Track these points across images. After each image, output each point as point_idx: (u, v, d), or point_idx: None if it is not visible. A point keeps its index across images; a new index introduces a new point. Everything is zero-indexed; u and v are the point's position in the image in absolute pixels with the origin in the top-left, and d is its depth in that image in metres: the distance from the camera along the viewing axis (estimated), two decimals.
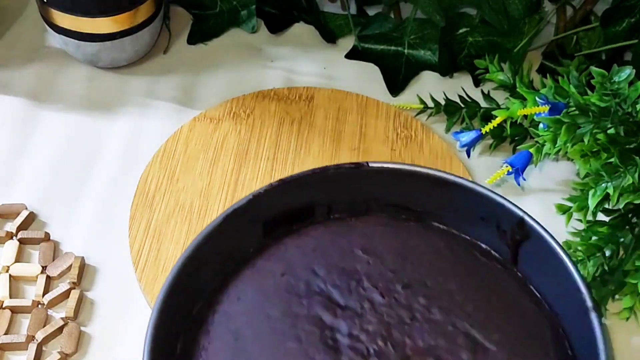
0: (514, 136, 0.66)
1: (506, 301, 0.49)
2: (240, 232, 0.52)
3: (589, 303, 0.44)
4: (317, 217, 0.54)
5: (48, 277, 0.59)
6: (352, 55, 0.75)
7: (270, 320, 0.48)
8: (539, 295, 0.50)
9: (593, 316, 0.44)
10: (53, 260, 0.60)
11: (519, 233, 0.50)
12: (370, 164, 0.52)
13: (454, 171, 0.64)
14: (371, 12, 0.78)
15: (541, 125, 0.57)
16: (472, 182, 0.51)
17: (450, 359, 0.46)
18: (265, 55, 0.75)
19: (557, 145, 0.54)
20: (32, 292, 0.58)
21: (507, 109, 0.61)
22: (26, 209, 0.62)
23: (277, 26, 0.78)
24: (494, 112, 0.62)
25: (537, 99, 0.58)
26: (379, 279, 0.49)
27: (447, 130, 0.69)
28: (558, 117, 0.54)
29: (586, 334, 0.44)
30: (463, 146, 0.66)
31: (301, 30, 0.78)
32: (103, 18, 0.67)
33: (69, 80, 0.73)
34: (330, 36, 0.76)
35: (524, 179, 0.61)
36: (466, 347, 0.46)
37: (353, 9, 0.78)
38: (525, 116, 0.62)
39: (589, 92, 0.59)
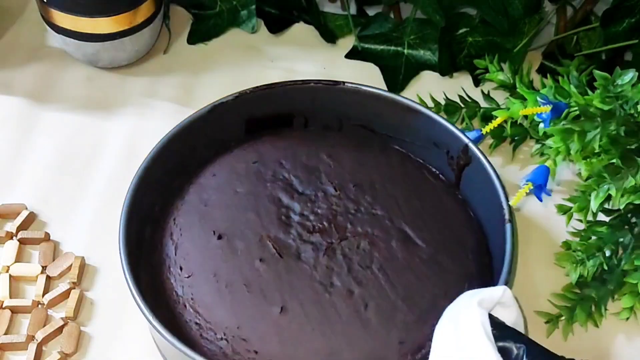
0: (514, 136, 0.66)
1: (441, 213, 0.57)
2: (226, 124, 0.61)
3: (507, 216, 0.53)
4: (295, 127, 0.63)
5: (48, 277, 0.59)
6: (352, 55, 0.75)
7: (237, 195, 0.57)
8: (471, 213, 0.58)
9: (507, 226, 0.52)
10: (53, 260, 0.60)
11: (463, 158, 0.58)
12: (347, 84, 0.61)
13: None
14: (371, 12, 0.78)
15: (541, 125, 0.57)
16: (430, 109, 0.60)
17: (382, 244, 0.55)
18: (265, 55, 0.75)
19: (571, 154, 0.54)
20: (32, 292, 0.58)
21: (508, 109, 0.61)
22: (26, 209, 0.62)
23: (277, 26, 0.78)
24: (494, 113, 0.62)
25: (538, 99, 0.58)
26: (335, 177, 0.59)
27: None
28: (568, 126, 0.53)
29: (501, 241, 0.52)
30: None
31: (301, 30, 0.78)
32: (103, 18, 0.67)
33: (69, 80, 0.73)
34: (330, 36, 0.76)
35: (549, 194, 0.56)
36: (397, 238, 0.55)
37: (353, 9, 0.78)
38: (526, 116, 0.62)
39: (590, 92, 0.59)
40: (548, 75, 0.70)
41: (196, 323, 0.52)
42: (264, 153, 0.60)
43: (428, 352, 0.48)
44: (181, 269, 0.54)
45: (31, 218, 0.62)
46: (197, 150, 0.60)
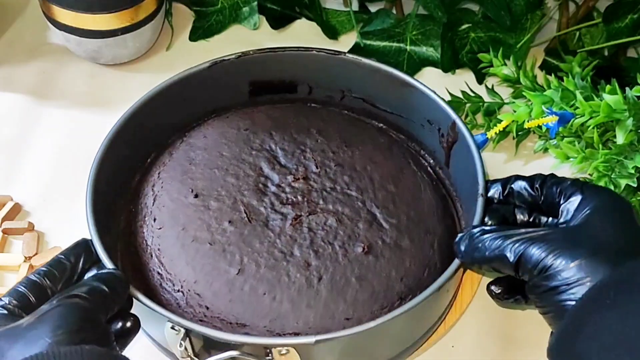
0: (517, 132, 0.66)
1: (416, 201, 0.58)
2: (228, 84, 0.62)
3: (481, 191, 0.53)
4: (300, 94, 0.65)
5: (31, 267, 0.59)
6: (354, 51, 0.75)
7: (222, 158, 0.59)
8: (450, 208, 0.59)
9: (479, 199, 0.52)
10: (37, 251, 0.60)
11: (452, 135, 0.58)
12: (348, 55, 0.62)
13: None
14: (373, 8, 0.77)
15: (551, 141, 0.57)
16: (425, 85, 0.60)
17: (349, 223, 0.56)
18: None
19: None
20: (15, 282, 0.58)
21: (514, 111, 0.61)
22: (12, 200, 0.63)
23: (278, 23, 0.77)
24: (499, 117, 0.62)
25: (544, 109, 0.58)
26: (319, 154, 0.60)
27: None
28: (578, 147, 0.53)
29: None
30: None
31: (303, 26, 0.78)
32: (105, 14, 0.67)
33: (70, 77, 0.73)
34: (332, 32, 0.76)
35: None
36: (365, 220, 0.56)
37: (355, 5, 0.78)
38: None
39: (594, 91, 0.59)
40: (552, 74, 0.69)
41: (158, 273, 0.54)
42: (256, 121, 0.62)
43: None
44: (155, 220, 0.56)
45: (17, 209, 0.62)
46: (197, 110, 0.62)
